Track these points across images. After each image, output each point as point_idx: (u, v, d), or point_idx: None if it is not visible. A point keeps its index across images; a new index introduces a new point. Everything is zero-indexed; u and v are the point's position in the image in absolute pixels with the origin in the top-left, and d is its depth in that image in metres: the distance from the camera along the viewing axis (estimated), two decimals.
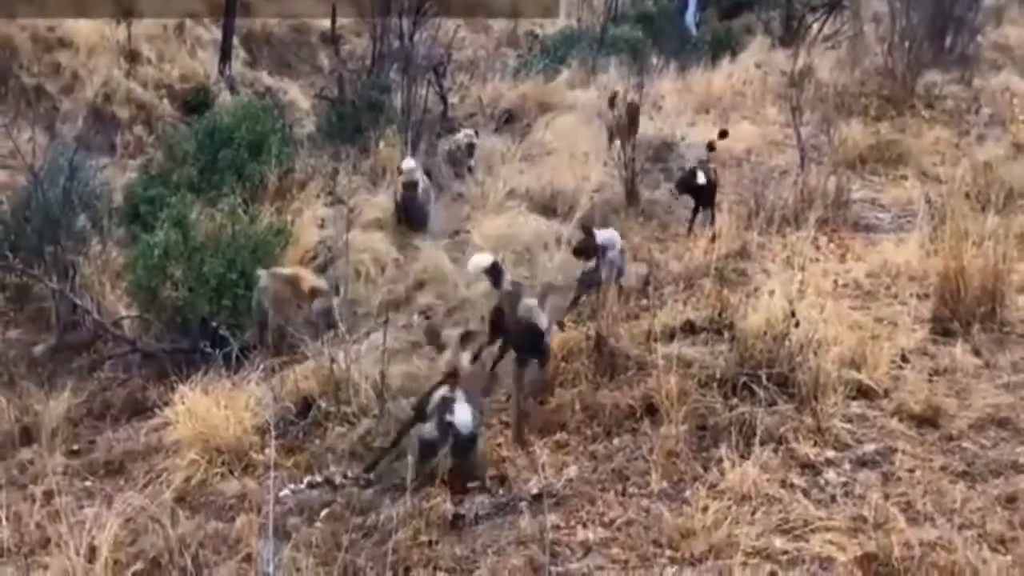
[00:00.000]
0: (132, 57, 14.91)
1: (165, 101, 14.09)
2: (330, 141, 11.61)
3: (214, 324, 7.36)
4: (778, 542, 5.46)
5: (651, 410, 6.69)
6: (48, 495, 6.23)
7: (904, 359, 7.23)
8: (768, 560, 5.34)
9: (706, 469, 6.10)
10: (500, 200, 10.56)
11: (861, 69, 14.10)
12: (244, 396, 6.74)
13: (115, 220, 9.54)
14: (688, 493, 5.93)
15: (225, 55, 15.30)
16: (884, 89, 13.23)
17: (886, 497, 5.77)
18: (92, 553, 5.55)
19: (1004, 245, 8.00)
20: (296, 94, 14.22)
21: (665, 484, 6.02)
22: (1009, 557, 5.32)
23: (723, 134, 10.20)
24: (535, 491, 5.97)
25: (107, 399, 7.38)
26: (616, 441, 6.52)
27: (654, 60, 16.11)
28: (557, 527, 5.70)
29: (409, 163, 9.97)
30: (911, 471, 6.04)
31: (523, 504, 5.90)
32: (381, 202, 10.13)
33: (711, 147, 9.92)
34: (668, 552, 5.50)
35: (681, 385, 6.71)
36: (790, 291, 7.48)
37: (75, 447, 6.88)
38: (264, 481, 5.63)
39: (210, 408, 6.60)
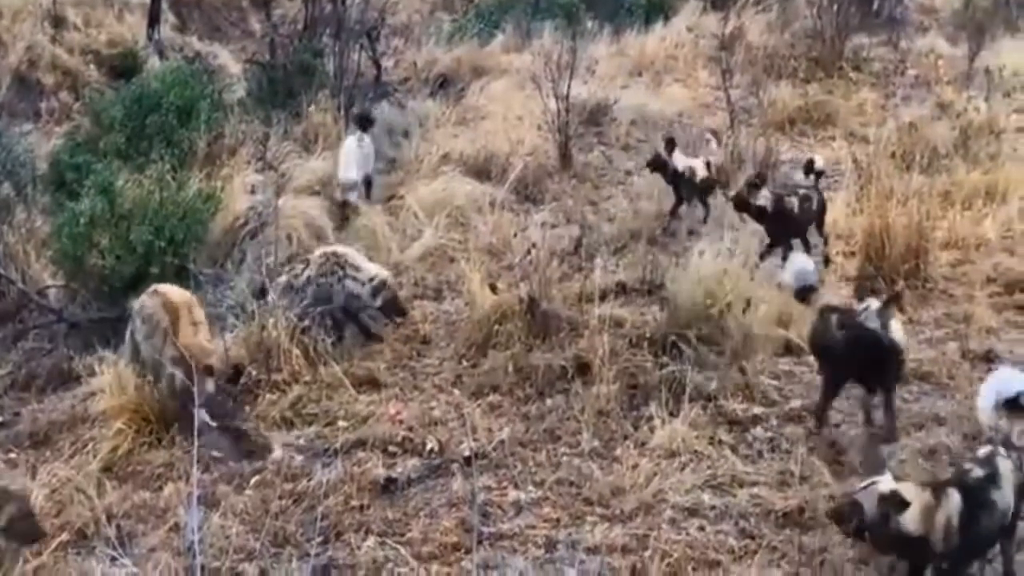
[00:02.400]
0: (57, 22, 14.42)
1: (92, 67, 13.64)
2: (261, 106, 11.33)
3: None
4: (706, 497, 5.51)
5: (583, 370, 6.68)
6: None
7: None
8: (696, 516, 5.38)
9: (636, 427, 6.12)
10: (434, 164, 10.42)
11: (791, 32, 14.13)
12: None
13: (40, 188, 9.24)
14: (619, 451, 5.94)
15: (154, 20, 14.84)
16: (813, 52, 13.28)
17: (812, 451, 5.83)
18: None
19: (928, 203, 8.13)
20: (227, 59, 13.86)
21: (596, 443, 6.03)
22: None
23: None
24: (467, 453, 5.92)
25: (32, 370, 7.16)
26: (548, 402, 6.50)
27: (588, 24, 15.99)
28: (489, 488, 5.68)
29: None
30: (836, 426, 6.11)
31: (455, 466, 5.86)
32: (314, 167, 9.94)
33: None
34: (599, 510, 5.51)
35: (612, 345, 6.71)
36: (720, 251, 7.51)
37: None
38: (190, 450, 5.48)
39: (137, 378, 6.46)
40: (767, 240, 8.01)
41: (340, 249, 7.59)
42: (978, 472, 4.63)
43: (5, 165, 9.22)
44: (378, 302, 7.26)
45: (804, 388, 6.44)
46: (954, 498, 4.48)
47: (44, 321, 7.68)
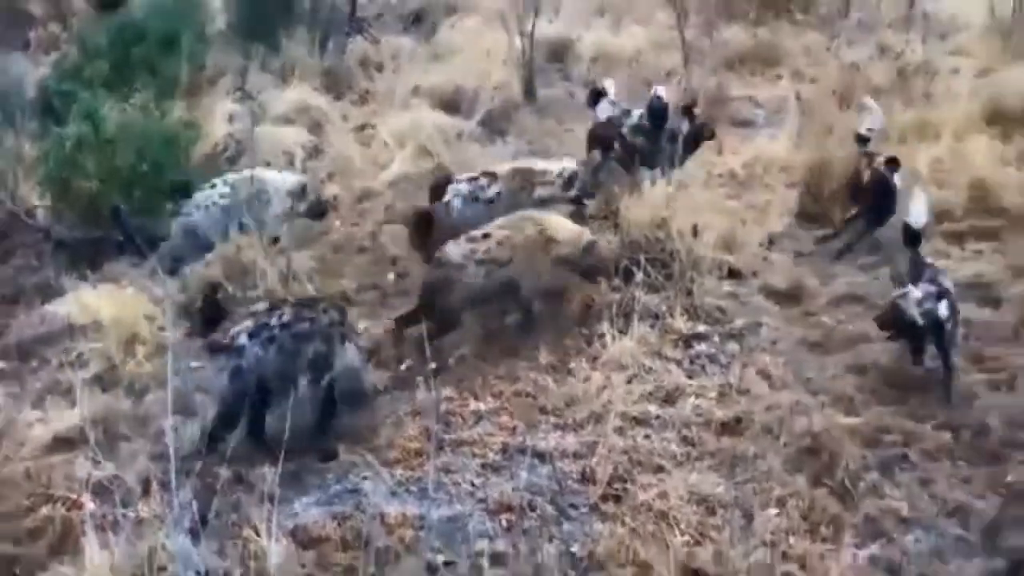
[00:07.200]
0: None
1: None
2: (241, 39, 11.02)
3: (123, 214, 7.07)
4: (652, 408, 5.50)
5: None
6: None
7: (772, 242, 7.26)
8: (642, 424, 5.38)
9: (589, 344, 6.07)
10: (405, 97, 10.21)
11: None
12: (153, 283, 6.48)
13: (28, 114, 8.94)
14: (572, 365, 5.90)
15: None
16: None
17: (744, 366, 5.83)
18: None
19: None
20: None
21: (552, 358, 5.98)
22: (859, 419, 5.42)
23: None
24: (431, 367, 5.86)
25: (20, 285, 6.99)
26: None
27: None
28: (450, 399, 5.63)
29: None
30: (773, 343, 6.11)
31: (419, 379, 5.79)
32: (290, 98, 9.72)
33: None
34: (552, 419, 5.49)
35: None
36: (670, 182, 7.42)
37: None
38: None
39: (120, 293, 6.35)
40: None
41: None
42: None
43: None
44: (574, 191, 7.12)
45: (745, 308, 6.43)
46: None
47: (32, 240, 7.50)
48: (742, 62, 11.21)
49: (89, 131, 7.64)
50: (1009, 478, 4.98)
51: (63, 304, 6.42)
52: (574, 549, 4.58)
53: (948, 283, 5.72)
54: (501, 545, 4.61)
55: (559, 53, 11.65)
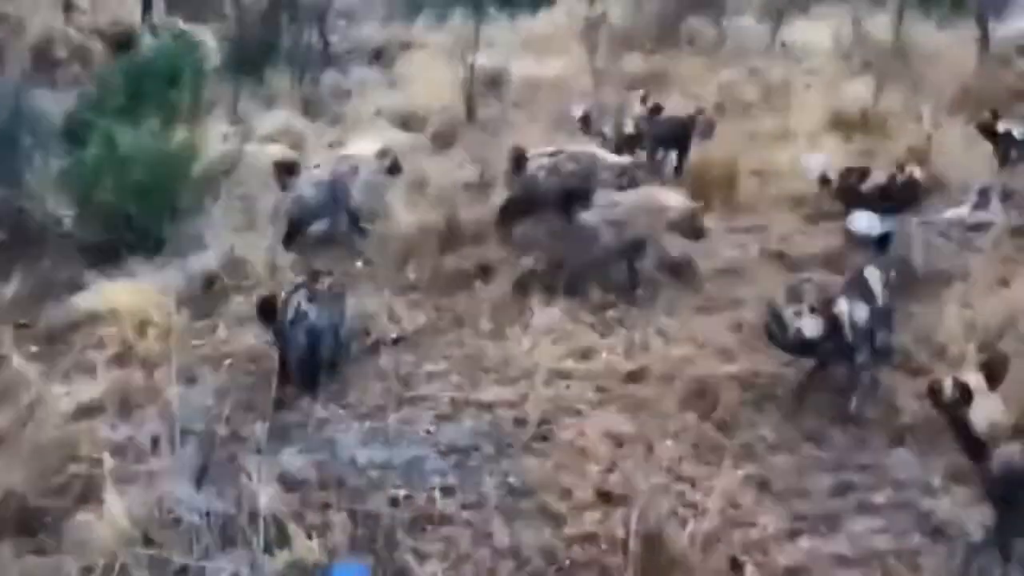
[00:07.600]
0: (68, 7, 13.36)
1: (97, 42, 12.70)
2: (232, 73, 10.69)
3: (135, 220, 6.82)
4: (572, 363, 5.44)
5: (484, 272, 6.50)
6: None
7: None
8: (564, 377, 5.32)
9: (522, 314, 5.99)
10: (370, 117, 10.03)
11: (642, 15, 13.77)
12: (161, 276, 6.25)
13: (55, 139, 8.58)
14: (508, 332, 5.82)
15: (147, 5, 13.89)
16: (657, 30, 13.01)
17: (645, 327, 5.80)
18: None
19: (738, 142, 8.03)
20: (206, 36, 12.87)
21: (491, 326, 5.89)
22: (736, 366, 5.42)
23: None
24: (393, 336, 5.76)
25: (51, 280, 6.68)
26: (457, 296, 6.32)
27: (490, 10, 15.42)
28: (409, 363, 5.51)
29: None
30: (668, 307, 6.07)
31: (383, 347, 5.68)
32: (273, 121, 9.46)
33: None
34: (493, 376, 5.41)
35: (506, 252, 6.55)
36: None
37: (23, 321, 6.25)
38: (174, 341, 5.17)
39: (134, 286, 6.12)
40: None
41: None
42: None
43: (27, 120, 8.52)
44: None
45: (646, 281, 6.39)
46: None
47: (60, 243, 7.19)
48: (641, 83, 11.15)
49: (107, 152, 7.38)
50: (851, 409, 5.00)
51: (87, 296, 6.15)
52: (511, 480, 4.51)
53: (847, 305, 4.86)
54: (451, 479, 4.53)
55: (494, 80, 11.50)
